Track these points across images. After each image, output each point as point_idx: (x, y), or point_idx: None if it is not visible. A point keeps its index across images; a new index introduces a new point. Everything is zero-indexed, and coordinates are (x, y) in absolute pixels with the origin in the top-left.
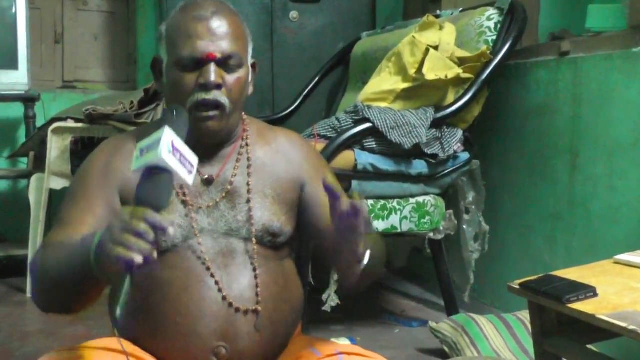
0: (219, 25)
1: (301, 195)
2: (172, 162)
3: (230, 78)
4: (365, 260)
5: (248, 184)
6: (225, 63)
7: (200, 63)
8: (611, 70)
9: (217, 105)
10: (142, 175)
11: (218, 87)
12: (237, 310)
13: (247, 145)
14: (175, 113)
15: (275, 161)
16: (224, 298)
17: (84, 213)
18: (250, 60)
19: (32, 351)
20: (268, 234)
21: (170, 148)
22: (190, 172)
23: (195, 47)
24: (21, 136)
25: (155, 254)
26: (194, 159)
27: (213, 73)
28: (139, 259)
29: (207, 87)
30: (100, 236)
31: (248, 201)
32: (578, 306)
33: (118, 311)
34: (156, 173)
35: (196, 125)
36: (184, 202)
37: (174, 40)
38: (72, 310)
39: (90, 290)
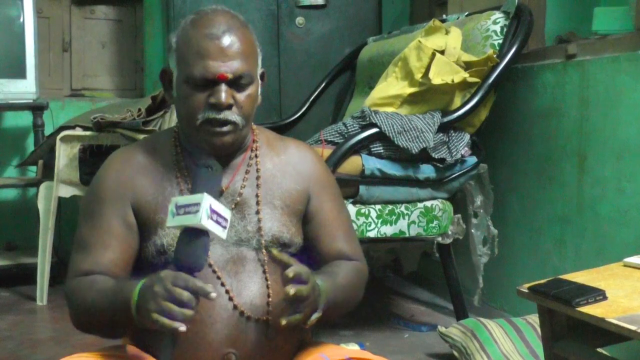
0: (230, 44)
1: (306, 208)
2: (210, 225)
3: (241, 96)
4: (313, 318)
5: (257, 195)
6: (236, 82)
7: (211, 83)
8: (618, 73)
9: (228, 122)
10: (180, 236)
11: (229, 107)
12: (248, 318)
13: (256, 156)
14: (209, 170)
15: (285, 173)
16: (234, 306)
17: (104, 235)
18: (259, 71)
19: (42, 359)
20: (278, 244)
21: (209, 212)
22: (224, 228)
23: (206, 67)
24: (30, 145)
25: (196, 315)
26: (227, 214)
27: (224, 93)
28: (183, 328)
29: (217, 107)
30: (141, 294)
31: (257, 212)
32: (587, 309)
33: None
34: (194, 235)
35: (208, 140)
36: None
37: (185, 57)
38: (111, 337)
39: (127, 326)
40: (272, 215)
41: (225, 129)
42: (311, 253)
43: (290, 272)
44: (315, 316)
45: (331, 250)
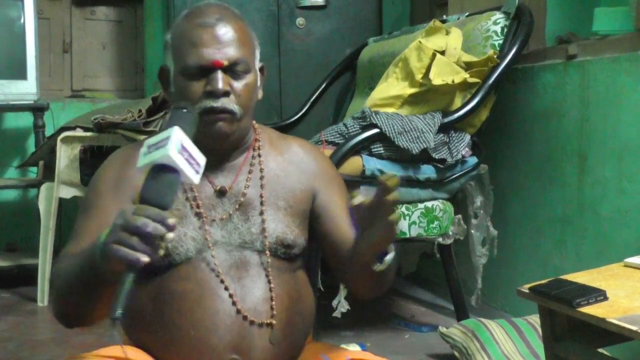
0: (224, 31)
1: (313, 206)
2: (180, 162)
3: (238, 84)
4: (389, 257)
5: (261, 196)
6: (232, 69)
7: (206, 71)
8: (618, 73)
9: (226, 111)
10: (149, 173)
11: (226, 94)
12: (252, 323)
13: (259, 155)
14: (183, 111)
15: (288, 172)
16: (237, 311)
17: (100, 225)
18: (258, 65)
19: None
20: (282, 245)
21: (179, 147)
22: (197, 172)
23: (201, 55)
24: (30, 146)
25: (159, 252)
26: (201, 158)
27: (220, 80)
28: (143, 258)
29: (214, 94)
30: (106, 235)
31: (261, 213)
32: (588, 310)
33: (118, 310)
34: (163, 172)
35: (206, 129)
36: (198, 215)
37: (180, 49)
38: (88, 319)
39: (102, 294)
40: (275, 216)
41: (222, 116)
42: (330, 248)
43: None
44: (391, 255)
45: (352, 238)
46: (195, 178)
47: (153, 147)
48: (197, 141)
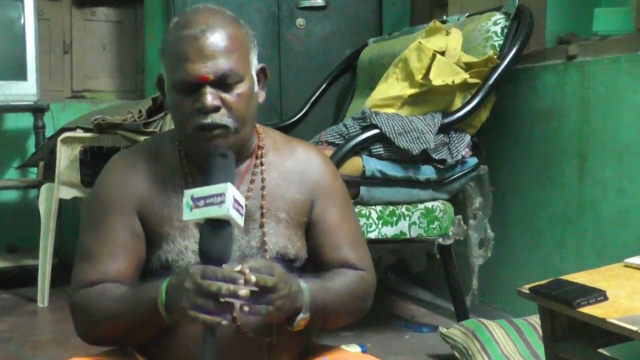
0: (210, 43)
1: (310, 215)
2: (235, 215)
3: (230, 96)
4: (298, 318)
5: (262, 207)
6: (221, 82)
7: (194, 86)
8: (619, 73)
9: (218, 126)
10: (204, 228)
11: (216, 109)
12: (251, 338)
13: (261, 164)
14: (224, 158)
15: (290, 182)
16: (238, 326)
17: (111, 245)
18: (257, 66)
19: None
20: (283, 260)
21: (233, 202)
22: (242, 215)
23: (186, 71)
24: (31, 146)
25: (234, 312)
26: (242, 200)
27: (208, 96)
28: (224, 321)
29: (203, 111)
30: (169, 292)
31: (261, 225)
32: (588, 310)
33: None
34: (218, 225)
35: (202, 145)
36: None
37: (169, 63)
38: (123, 346)
39: (149, 333)
40: (276, 229)
41: (216, 132)
42: (315, 263)
43: (245, 267)
44: (300, 317)
45: (335, 259)
46: (241, 221)
47: (202, 201)
48: (197, 155)
